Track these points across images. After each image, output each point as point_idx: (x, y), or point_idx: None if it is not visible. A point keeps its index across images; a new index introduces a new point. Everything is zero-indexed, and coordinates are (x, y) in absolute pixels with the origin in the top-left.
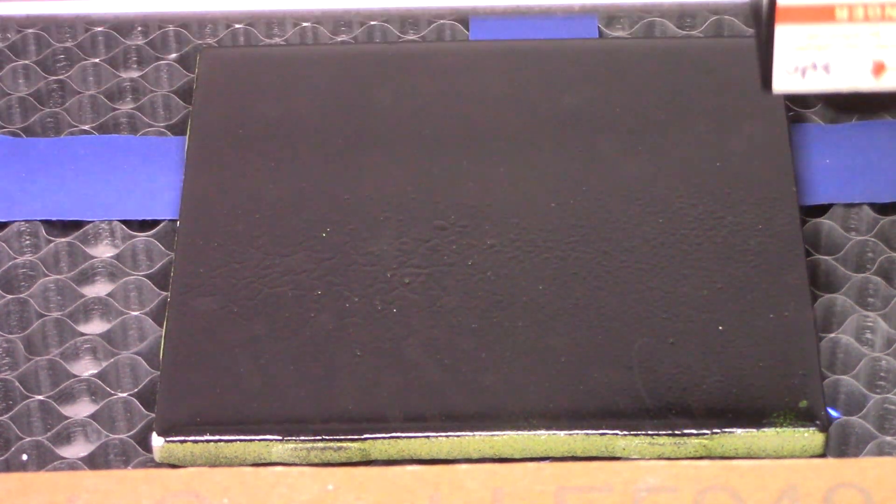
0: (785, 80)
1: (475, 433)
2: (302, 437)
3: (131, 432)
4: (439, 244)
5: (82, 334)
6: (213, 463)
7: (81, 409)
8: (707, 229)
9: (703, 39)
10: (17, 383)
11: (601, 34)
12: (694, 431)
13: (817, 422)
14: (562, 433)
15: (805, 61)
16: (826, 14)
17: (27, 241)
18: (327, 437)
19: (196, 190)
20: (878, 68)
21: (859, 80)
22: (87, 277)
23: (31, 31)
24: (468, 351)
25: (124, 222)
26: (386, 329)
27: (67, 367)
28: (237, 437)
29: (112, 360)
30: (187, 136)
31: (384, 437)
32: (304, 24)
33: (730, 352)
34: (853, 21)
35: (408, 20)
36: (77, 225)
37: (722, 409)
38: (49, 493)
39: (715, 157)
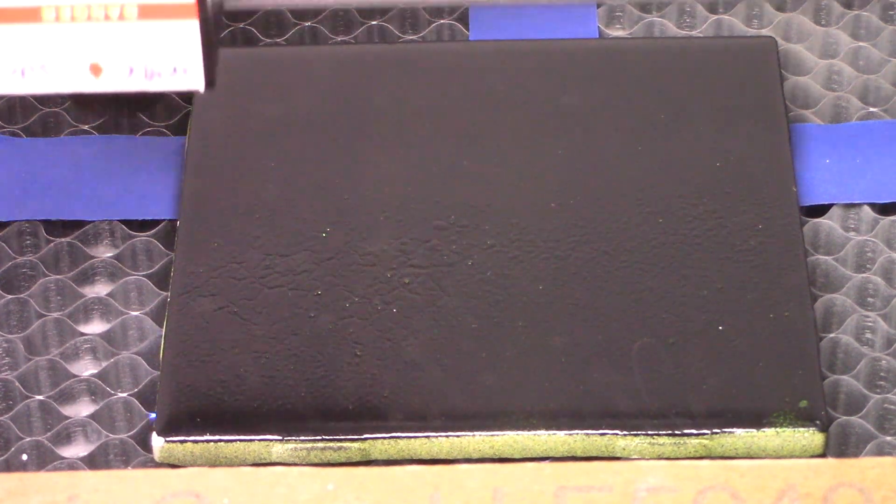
0: (6, 82)
1: (475, 433)
2: (302, 437)
3: (131, 432)
4: (439, 244)
5: (82, 334)
6: (213, 463)
7: (81, 409)
8: (707, 229)
9: (703, 39)
10: (17, 383)
11: (601, 34)
12: (694, 431)
13: (817, 422)
14: (562, 433)
15: (21, 62)
16: (33, 15)
17: (27, 241)
18: (327, 437)
19: (196, 190)
20: (95, 69)
21: (79, 82)
22: (87, 277)
23: None
24: (468, 351)
25: (124, 222)
26: (386, 329)
27: (67, 367)
28: (237, 437)
29: (112, 360)
30: (187, 136)
31: (384, 437)
32: (304, 24)
33: (730, 352)
34: (61, 21)
35: (407, 20)
36: (77, 225)
37: (722, 409)
38: (49, 493)
39: (715, 157)
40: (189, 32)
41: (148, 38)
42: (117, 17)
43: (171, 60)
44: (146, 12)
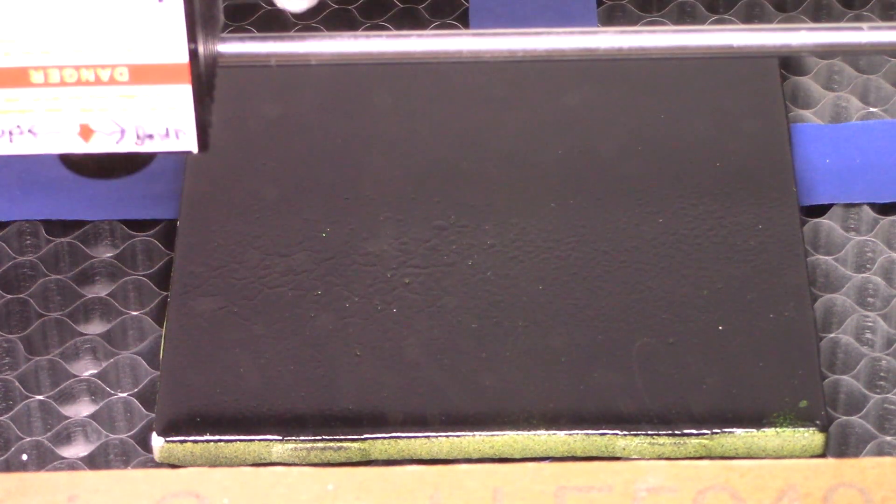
0: None
1: (475, 433)
2: (302, 437)
3: (131, 432)
4: (439, 244)
5: (82, 334)
6: (213, 463)
7: (81, 409)
8: (707, 229)
9: None
10: (17, 383)
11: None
12: (694, 431)
13: (817, 422)
14: (562, 433)
15: (9, 125)
16: (21, 77)
17: (27, 241)
18: (327, 437)
19: (196, 190)
20: (85, 132)
21: (69, 144)
22: (87, 277)
23: None
24: (468, 351)
25: (124, 222)
26: (386, 329)
27: (67, 367)
28: (237, 437)
29: (112, 360)
30: None
31: (384, 437)
32: (304, 25)
33: (730, 352)
34: (50, 85)
35: (406, 21)
36: (77, 225)
37: (722, 409)
38: (49, 493)
39: (715, 157)
40: (181, 95)
41: (139, 101)
42: (108, 80)
43: (164, 123)
44: (137, 75)
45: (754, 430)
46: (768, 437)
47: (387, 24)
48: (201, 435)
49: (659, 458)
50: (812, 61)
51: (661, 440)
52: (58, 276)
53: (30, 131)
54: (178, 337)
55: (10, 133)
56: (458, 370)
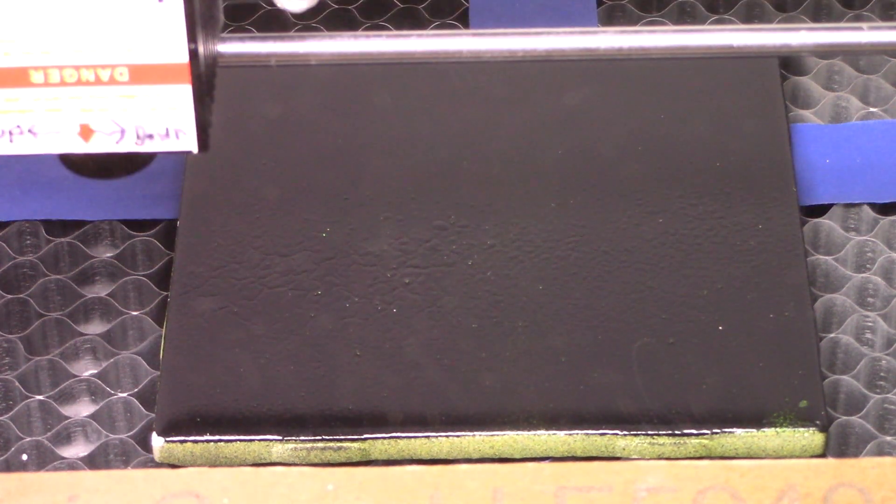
0: None
1: (475, 433)
2: (302, 437)
3: (131, 432)
4: (439, 244)
5: (82, 334)
6: (213, 463)
7: (81, 409)
8: (707, 229)
9: None
10: (17, 383)
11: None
12: (694, 431)
13: (817, 422)
14: (562, 433)
15: (9, 125)
16: (21, 77)
17: (27, 241)
18: (327, 437)
19: (196, 190)
20: (86, 131)
21: (69, 144)
22: (87, 277)
23: None
24: (468, 351)
25: (124, 222)
26: (386, 329)
27: (67, 367)
28: (237, 437)
29: (112, 360)
30: None
31: (384, 437)
32: (304, 25)
33: (730, 352)
34: (50, 85)
35: (406, 21)
36: (77, 225)
37: (722, 409)
38: (49, 493)
39: (715, 157)
40: (181, 95)
41: (139, 101)
42: (108, 80)
43: (164, 123)
44: (137, 75)
45: (754, 430)
46: (768, 437)
47: (387, 24)
48: (201, 435)
49: (659, 458)
50: (812, 61)
51: (661, 440)
52: (58, 276)
53: (30, 131)
54: (178, 337)
55: (10, 133)
56: (458, 370)
